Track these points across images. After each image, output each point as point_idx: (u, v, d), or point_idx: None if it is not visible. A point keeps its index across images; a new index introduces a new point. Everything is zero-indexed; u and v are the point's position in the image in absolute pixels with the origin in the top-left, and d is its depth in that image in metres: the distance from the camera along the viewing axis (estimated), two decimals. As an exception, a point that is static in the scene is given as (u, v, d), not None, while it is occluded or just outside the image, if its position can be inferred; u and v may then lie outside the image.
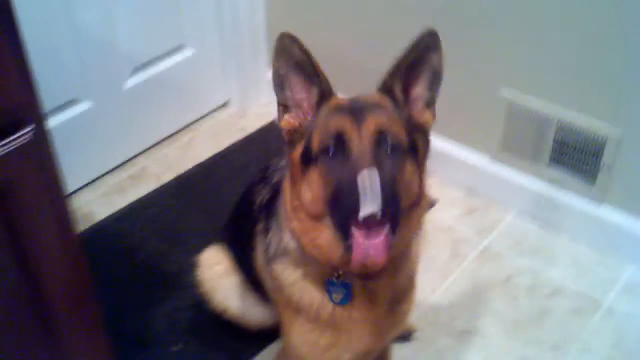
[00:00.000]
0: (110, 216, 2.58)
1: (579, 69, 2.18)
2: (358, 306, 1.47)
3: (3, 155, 1.33)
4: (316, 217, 1.34)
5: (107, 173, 2.76)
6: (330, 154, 1.29)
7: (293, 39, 1.33)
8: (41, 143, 1.44)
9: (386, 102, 1.39)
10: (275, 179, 1.70)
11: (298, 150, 1.36)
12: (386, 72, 1.41)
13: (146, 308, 2.23)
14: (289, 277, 1.50)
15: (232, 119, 3.06)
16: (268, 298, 1.75)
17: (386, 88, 1.41)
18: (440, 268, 2.31)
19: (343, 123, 1.30)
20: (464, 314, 2.17)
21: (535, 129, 2.34)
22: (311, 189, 1.32)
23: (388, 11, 2.53)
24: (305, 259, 1.44)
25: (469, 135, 2.54)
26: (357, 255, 1.24)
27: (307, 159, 1.33)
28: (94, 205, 2.63)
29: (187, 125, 3.01)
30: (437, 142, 2.58)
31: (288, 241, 1.47)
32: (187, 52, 2.89)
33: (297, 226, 1.39)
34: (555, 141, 2.31)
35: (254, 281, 1.80)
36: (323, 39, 2.80)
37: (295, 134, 1.38)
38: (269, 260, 1.56)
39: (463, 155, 2.56)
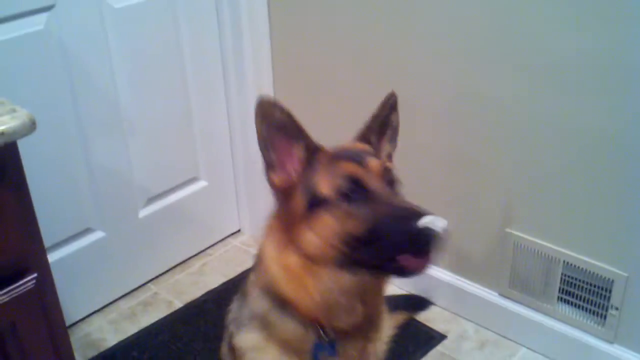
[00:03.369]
0: (120, 343, 2.48)
1: (582, 213, 2.14)
2: None
3: (5, 302, 1.33)
4: (318, 261, 1.34)
5: (118, 299, 2.68)
6: (351, 195, 1.31)
7: (273, 104, 1.34)
8: (43, 289, 1.41)
9: (370, 149, 1.47)
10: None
11: (298, 200, 1.36)
12: (363, 127, 1.52)
13: None
14: (251, 340, 1.47)
15: (244, 246, 3.00)
16: None
17: (364, 139, 1.51)
18: (453, 405, 2.21)
19: (353, 168, 1.34)
20: None
21: (542, 269, 2.28)
22: (321, 232, 1.32)
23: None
24: (276, 320, 1.43)
25: (478, 271, 2.48)
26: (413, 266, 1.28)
27: (313, 205, 1.33)
28: (104, 331, 2.54)
29: (199, 252, 2.95)
30: (448, 278, 2.54)
31: (255, 305, 1.46)
32: (200, 184, 2.87)
33: (286, 273, 1.38)
34: (562, 281, 2.25)
35: None
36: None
37: (288, 188, 1.39)
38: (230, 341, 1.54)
39: (473, 291, 2.50)
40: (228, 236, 3.05)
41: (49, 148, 2.26)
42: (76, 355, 2.40)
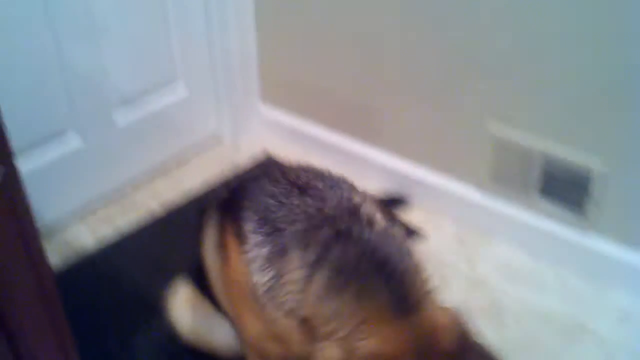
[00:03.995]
0: (100, 247, 2.47)
1: (563, 102, 2.09)
2: None
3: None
4: None
5: (96, 204, 2.65)
6: None
7: None
8: (11, 186, 1.37)
9: None
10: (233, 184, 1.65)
11: None
12: None
13: (130, 336, 2.11)
14: None
15: (224, 152, 2.96)
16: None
17: None
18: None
19: None
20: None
21: (522, 161, 2.24)
22: None
23: (377, 45, 2.46)
24: None
25: (457, 167, 2.45)
26: None
27: None
28: (82, 236, 2.52)
29: (179, 159, 2.91)
30: (425, 174, 2.51)
31: None
32: (178, 87, 2.80)
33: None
34: (542, 173, 2.21)
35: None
36: (314, 75, 2.75)
37: None
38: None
39: (451, 187, 2.47)
40: (209, 143, 3.00)
41: (18, 47, 2.20)
42: (55, 259, 2.41)
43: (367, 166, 2.67)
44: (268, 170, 1.55)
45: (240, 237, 1.44)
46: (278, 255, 1.34)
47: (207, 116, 2.97)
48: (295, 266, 1.31)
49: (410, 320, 1.23)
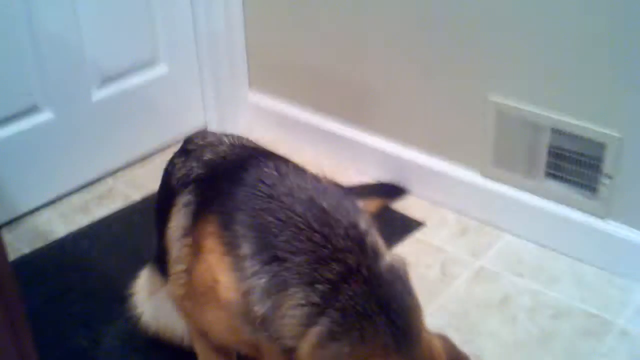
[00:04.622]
0: (70, 234, 2.26)
1: (570, 70, 1.90)
2: None
3: None
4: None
5: (71, 192, 2.44)
6: None
7: None
8: None
9: None
10: (207, 156, 1.51)
11: None
12: None
13: (98, 326, 1.91)
14: None
15: (210, 142, 2.74)
16: None
17: None
18: (429, 289, 1.97)
19: None
20: (457, 336, 1.81)
21: (527, 140, 2.04)
22: None
23: (369, 23, 2.27)
24: None
25: (457, 151, 2.24)
26: None
27: None
28: (54, 223, 2.31)
29: (163, 147, 2.68)
30: (424, 158, 2.30)
31: None
32: (160, 68, 2.59)
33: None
34: (550, 152, 2.01)
35: None
36: (303, 55, 2.55)
37: None
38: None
39: (452, 173, 2.26)
40: (193, 130, 2.77)
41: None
42: (22, 246, 2.21)
43: (362, 153, 2.47)
44: (260, 167, 1.35)
45: (232, 255, 1.25)
46: (279, 288, 1.20)
47: (191, 101, 2.75)
48: (298, 303, 1.18)
49: (410, 354, 1.17)
